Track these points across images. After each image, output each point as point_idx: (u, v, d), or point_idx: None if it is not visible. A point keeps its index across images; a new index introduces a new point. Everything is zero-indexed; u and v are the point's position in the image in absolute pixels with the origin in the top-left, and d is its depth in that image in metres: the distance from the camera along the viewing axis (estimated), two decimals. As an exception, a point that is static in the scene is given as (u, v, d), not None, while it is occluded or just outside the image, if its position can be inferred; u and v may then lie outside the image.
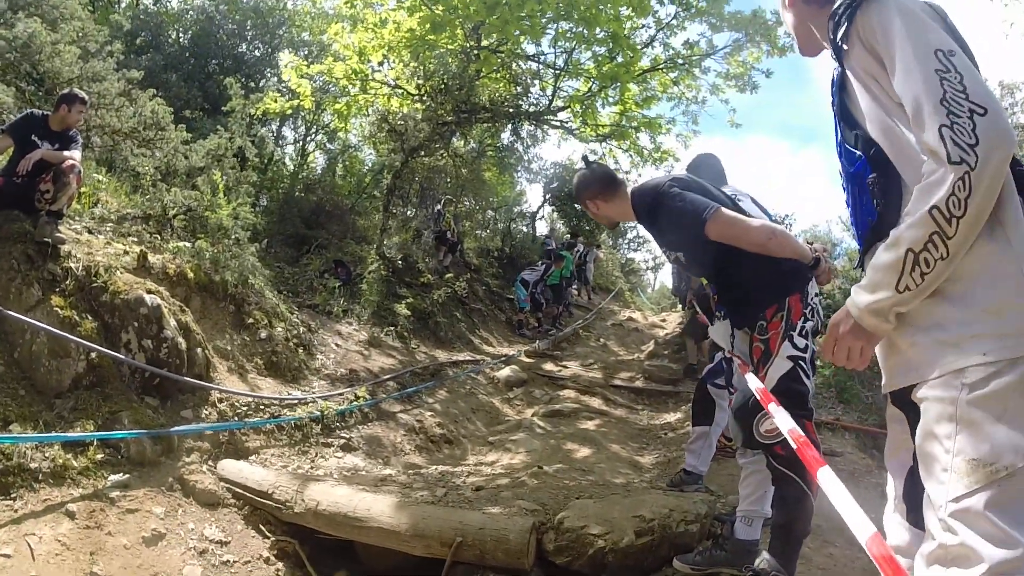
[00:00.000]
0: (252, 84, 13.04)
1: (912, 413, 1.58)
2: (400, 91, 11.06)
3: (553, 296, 14.13)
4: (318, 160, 16.91)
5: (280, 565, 3.93)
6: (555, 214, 23.26)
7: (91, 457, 3.81)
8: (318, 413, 5.71)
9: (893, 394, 1.67)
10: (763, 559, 2.61)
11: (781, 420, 2.24)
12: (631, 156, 12.38)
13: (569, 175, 19.30)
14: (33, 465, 3.51)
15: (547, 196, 21.84)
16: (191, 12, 14.63)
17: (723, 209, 2.67)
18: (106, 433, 3.93)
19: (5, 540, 3.08)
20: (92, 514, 3.48)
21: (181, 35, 14.28)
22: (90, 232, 5.47)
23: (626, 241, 28.82)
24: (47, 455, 3.61)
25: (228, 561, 3.75)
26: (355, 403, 6.26)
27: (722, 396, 4.55)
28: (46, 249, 4.45)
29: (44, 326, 4.07)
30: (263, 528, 4.11)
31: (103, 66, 7.19)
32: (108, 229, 5.74)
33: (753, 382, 2.66)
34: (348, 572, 3.97)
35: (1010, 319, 1.34)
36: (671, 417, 7.93)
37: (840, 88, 1.61)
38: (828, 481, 1.68)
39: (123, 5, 13.98)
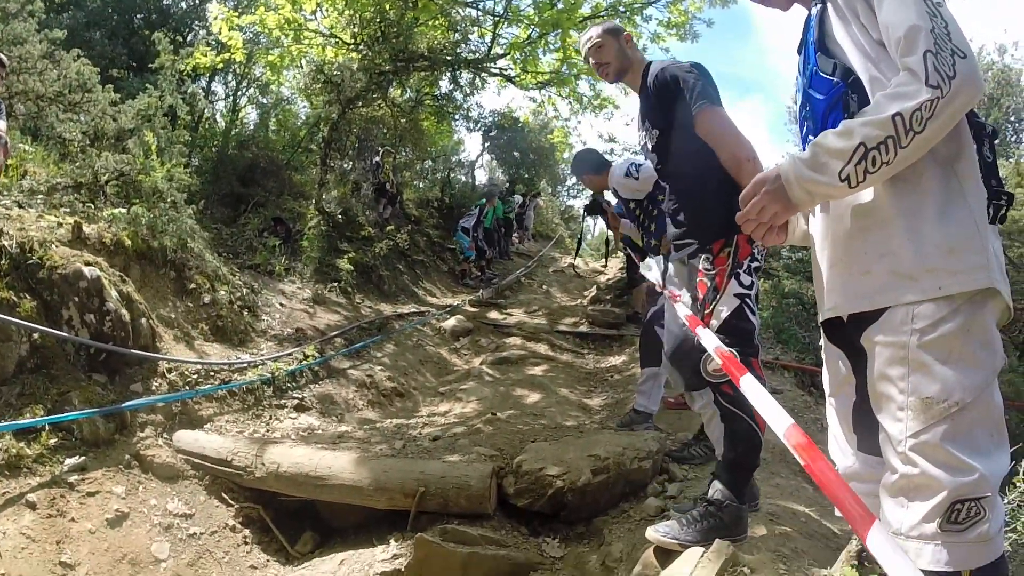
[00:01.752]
0: (180, 38, 12.29)
1: (853, 352, 1.71)
2: (335, 40, 10.67)
3: (485, 239, 13.99)
4: (250, 115, 16.29)
5: (247, 532, 3.99)
6: (494, 162, 23.15)
7: (44, 443, 3.72)
8: (268, 375, 5.69)
9: (831, 332, 1.79)
10: (716, 489, 2.68)
11: (707, 341, 2.31)
12: (570, 103, 12.38)
13: (508, 123, 19.18)
14: (-13, 458, 3.42)
15: (486, 144, 21.68)
16: (110, -37, 13.57)
17: (724, 109, 2.68)
18: (57, 416, 3.82)
19: (-33, 541, 3.02)
20: (53, 502, 3.43)
21: (101, -11, 13.28)
22: (20, 206, 5.20)
23: (565, 188, 28.96)
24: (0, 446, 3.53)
25: (195, 533, 3.79)
26: (304, 362, 6.24)
27: (667, 336, 4.76)
28: (-24, 229, 4.22)
29: (-19, 311, 3.89)
30: (226, 496, 4.14)
31: (24, 27, 6.67)
32: (39, 201, 5.47)
33: (681, 310, 2.73)
34: (314, 532, 4.05)
35: (963, 258, 1.46)
36: (616, 360, 8.18)
37: (820, 23, 1.69)
38: (749, 387, 1.86)
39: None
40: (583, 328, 9.79)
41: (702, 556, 2.52)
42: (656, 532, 2.71)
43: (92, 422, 4.02)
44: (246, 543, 3.93)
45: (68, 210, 5.50)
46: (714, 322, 2.64)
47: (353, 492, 3.78)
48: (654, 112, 2.88)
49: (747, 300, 2.67)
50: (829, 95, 1.66)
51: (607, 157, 4.98)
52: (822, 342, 1.87)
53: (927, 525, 1.45)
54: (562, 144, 16.66)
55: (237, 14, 10.21)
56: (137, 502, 3.79)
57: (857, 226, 1.62)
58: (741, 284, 2.66)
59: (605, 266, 16.22)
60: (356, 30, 10.62)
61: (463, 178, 20.78)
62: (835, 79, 1.63)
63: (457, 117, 16.66)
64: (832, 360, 1.83)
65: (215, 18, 9.95)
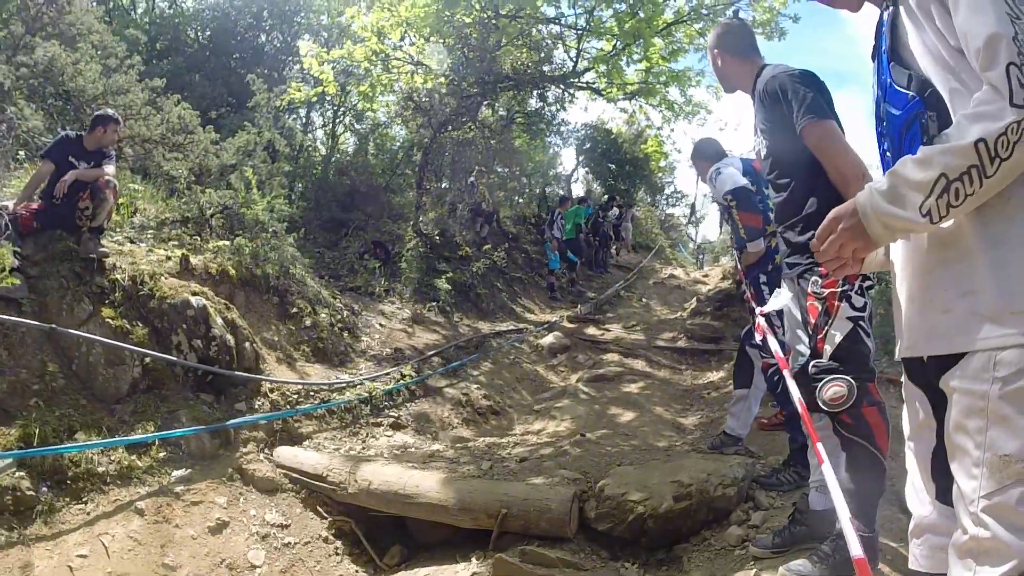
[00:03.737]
0: (275, 75, 13.06)
1: (934, 394, 1.54)
2: (423, 67, 11.02)
3: (572, 249, 13.78)
4: (349, 141, 16.97)
5: (338, 544, 4.16)
6: (590, 176, 23.10)
7: (154, 456, 4.06)
8: (366, 395, 5.90)
9: (912, 369, 1.63)
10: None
11: (791, 389, 2.19)
12: (662, 112, 12.17)
13: (600, 135, 19.11)
14: (100, 469, 3.77)
15: (580, 158, 21.67)
16: (207, 11, 14.61)
17: (834, 123, 2.50)
18: (166, 432, 4.17)
19: (80, 541, 3.33)
20: (159, 509, 3.74)
21: (199, 34, 14.31)
22: (132, 242, 5.68)
23: (664, 197, 28.45)
24: (112, 458, 3.87)
25: (289, 543, 3.99)
26: (402, 382, 6.41)
27: (759, 357, 4.55)
28: (92, 264, 4.63)
29: (97, 338, 4.29)
30: (320, 509, 4.34)
31: (125, 79, 7.43)
32: (149, 236, 5.95)
33: (774, 345, 2.62)
34: (402, 547, 4.16)
35: None
36: (714, 376, 7.90)
37: (891, 29, 1.53)
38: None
39: (139, 11, 14.06)
40: (681, 343, 9.53)
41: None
42: (789, 571, 2.60)
43: (199, 438, 4.35)
44: (337, 554, 4.10)
45: (176, 243, 5.98)
46: (827, 347, 2.49)
47: (439, 511, 3.87)
48: (764, 122, 2.74)
49: (860, 322, 2.49)
50: (906, 110, 1.48)
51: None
52: (903, 379, 1.69)
53: None
54: (656, 153, 16.34)
55: (326, 50, 10.67)
56: (237, 512, 4.05)
57: (938, 258, 1.45)
58: (853, 307, 2.48)
59: (706, 275, 15.79)
60: (441, 57, 10.88)
61: (560, 192, 20.85)
62: (911, 93, 1.47)
63: (549, 133, 16.73)
64: (912, 400, 1.66)
65: (305, 55, 10.40)
